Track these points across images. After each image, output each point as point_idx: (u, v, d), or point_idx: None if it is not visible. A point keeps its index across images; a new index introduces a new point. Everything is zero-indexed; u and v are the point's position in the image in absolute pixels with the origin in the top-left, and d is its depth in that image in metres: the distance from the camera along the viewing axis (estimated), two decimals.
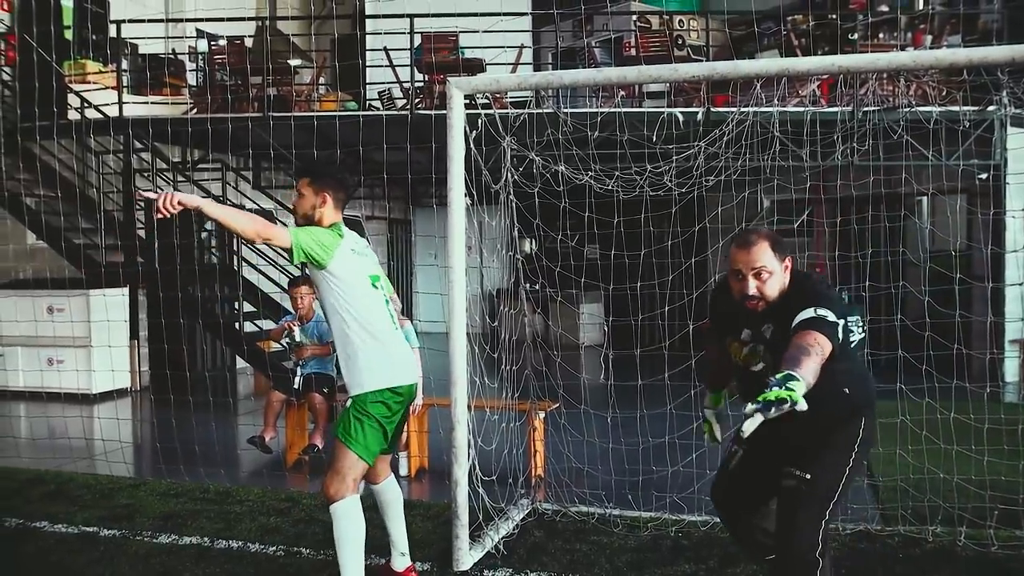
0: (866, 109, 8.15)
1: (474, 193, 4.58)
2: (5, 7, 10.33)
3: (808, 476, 2.93)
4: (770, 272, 2.95)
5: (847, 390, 2.99)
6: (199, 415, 7.06)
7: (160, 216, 3.24)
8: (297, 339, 6.37)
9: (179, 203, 3.19)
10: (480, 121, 4.49)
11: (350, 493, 3.57)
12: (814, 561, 2.87)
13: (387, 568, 4.05)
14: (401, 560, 4.03)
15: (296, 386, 6.39)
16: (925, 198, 9.68)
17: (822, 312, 2.80)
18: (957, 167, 6.66)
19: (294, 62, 10.68)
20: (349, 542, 3.59)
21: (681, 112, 8.59)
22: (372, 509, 3.93)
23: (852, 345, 3.05)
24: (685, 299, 5.72)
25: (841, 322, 2.86)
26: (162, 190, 3.30)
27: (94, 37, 10.54)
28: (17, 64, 9.70)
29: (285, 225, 3.66)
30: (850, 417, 3.02)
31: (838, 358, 2.83)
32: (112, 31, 9.87)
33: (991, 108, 8.24)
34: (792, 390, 2.40)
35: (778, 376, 2.49)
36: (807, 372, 2.55)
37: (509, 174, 4.96)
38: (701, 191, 5.86)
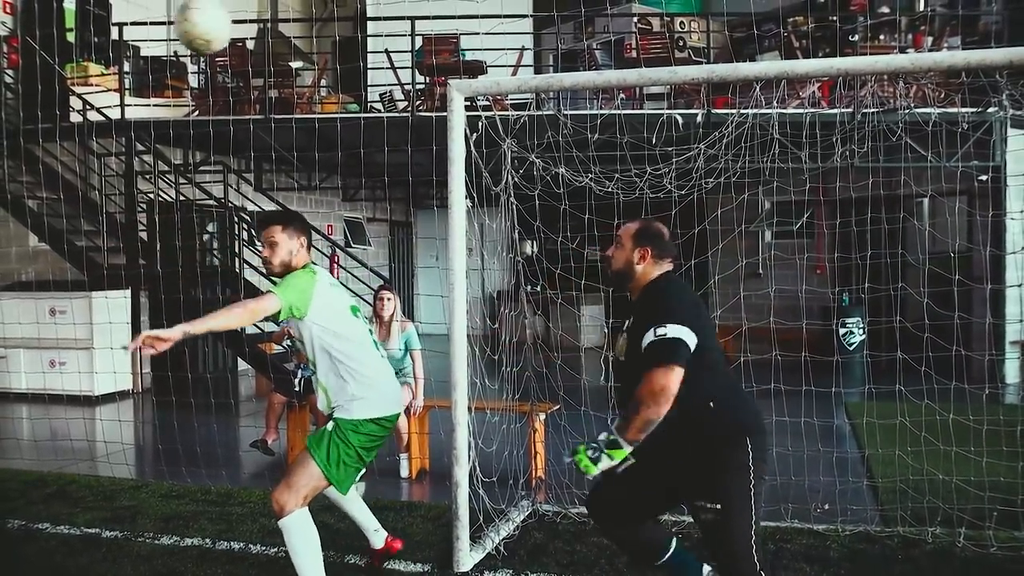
0: (866, 111, 8.17)
1: (475, 195, 4.59)
2: (8, 10, 10.36)
3: (719, 506, 3.00)
4: (621, 245, 3.28)
5: (712, 404, 3.01)
6: (201, 417, 7.08)
7: (153, 352, 3.25)
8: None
9: (162, 339, 3.19)
10: (481, 123, 4.51)
11: (298, 508, 3.49)
12: None
13: (371, 551, 4.11)
14: (377, 536, 4.10)
15: (297, 388, 6.40)
16: (925, 200, 9.70)
17: (661, 332, 2.93)
18: (957, 169, 6.67)
19: (295, 64, 10.70)
20: (306, 554, 3.53)
21: (681, 114, 8.60)
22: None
23: (714, 360, 3.08)
24: None
25: (687, 331, 2.93)
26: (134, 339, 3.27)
27: (96, 39, 10.56)
28: (20, 67, 9.73)
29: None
30: (730, 437, 3.00)
31: (696, 369, 2.93)
32: (114, 33, 9.89)
33: (991, 110, 8.25)
34: (597, 459, 2.88)
35: (608, 439, 2.90)
36: (634, 432, 2.88)
37: (510, 176, 4.97)
38: (701, 193, 5.87)
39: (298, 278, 3.56)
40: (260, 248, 3.72)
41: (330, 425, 3.60)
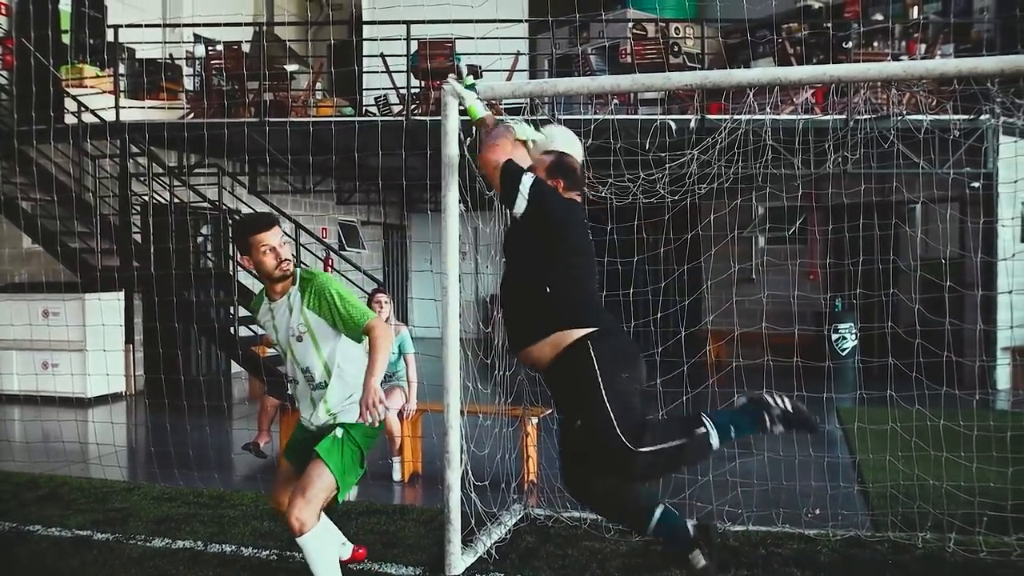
0: (859, 118, 8.20)
1: (468, 199, 4.61)
2: (3, 11, 10.35)
3: (579, 423, 3.22)
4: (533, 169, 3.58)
5: (548, 289, 3.23)
6: (193, 419, 7.07)
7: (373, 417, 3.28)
8: None
9: (382, 402, 3.26)
10: (475, 128, 4.52)
11: (316, 521, 3.42)
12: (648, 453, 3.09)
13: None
14: (344, 549, 4.10)
15: (290, 391, 6.39)
16: (917, 206, 9.74)
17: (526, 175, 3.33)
18: (949, 176, 6.71)
19: (291, 67, 10.72)
20: (327, 565, 3.50)
21: (674, 120, 8.63)
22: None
23: (569, 262, 3.31)
24: (678, 306, 5.75)
25: (528, 189, 3.27)
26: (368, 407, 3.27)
27: (91, 41, 10.57)
28: (15, 68, 9.73)
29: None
30: (575, 346, 3.18)
31: (544, 249, 3.28)
32: (109, 35, 9.89)
33: (983, 117, 8.30)
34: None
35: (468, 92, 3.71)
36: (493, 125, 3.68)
37: None
38: (694, 198, 5.90)
39: (337, 284, 3.58)
40: (265, 253, 3.54)
41: (339, 431, 3.54)
